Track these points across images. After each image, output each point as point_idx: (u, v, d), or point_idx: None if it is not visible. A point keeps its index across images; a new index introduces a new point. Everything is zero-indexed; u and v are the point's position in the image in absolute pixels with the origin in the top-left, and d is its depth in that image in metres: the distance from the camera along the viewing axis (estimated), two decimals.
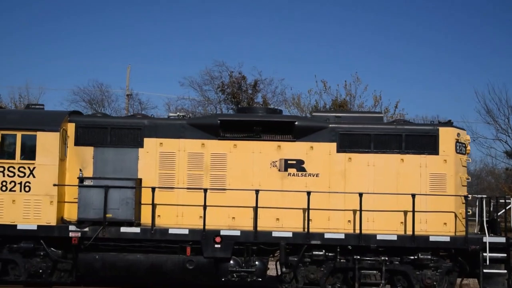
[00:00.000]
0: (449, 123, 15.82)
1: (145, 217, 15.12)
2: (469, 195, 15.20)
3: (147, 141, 15.46)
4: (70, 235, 14.76)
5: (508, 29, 61.36)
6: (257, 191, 14.73)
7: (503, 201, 15.81)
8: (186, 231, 14.83)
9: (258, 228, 14.90)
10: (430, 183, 15.26)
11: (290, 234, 14.80)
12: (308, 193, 14.72)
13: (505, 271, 14.83)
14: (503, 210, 15.73)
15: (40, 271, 14.93)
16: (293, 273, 15.10)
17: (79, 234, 14.73)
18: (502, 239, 14.84)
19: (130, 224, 14.80)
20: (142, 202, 15.12)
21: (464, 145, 15.69)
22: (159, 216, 15.04)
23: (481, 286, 14.74)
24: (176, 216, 15.31)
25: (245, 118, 15.49)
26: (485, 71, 58.33)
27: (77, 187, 14.96)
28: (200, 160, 15.44)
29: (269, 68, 44.93)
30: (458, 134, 15.50)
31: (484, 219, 15.17)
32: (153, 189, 14.78)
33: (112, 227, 14.73)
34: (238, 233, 14.84)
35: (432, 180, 15.27)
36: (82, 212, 14.75)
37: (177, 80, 61.04)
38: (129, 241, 14.84)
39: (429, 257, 14.77)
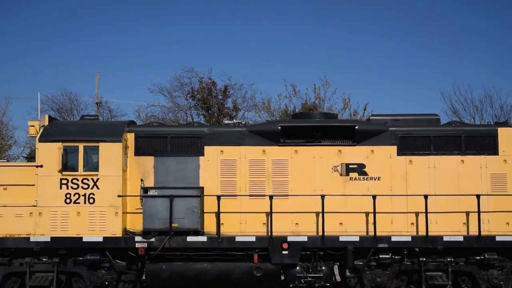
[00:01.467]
0: (506, 123, 15.94)
1: (207, 226, 15.08)
2: None
3: (207, 149, 15.43)
4: (136, 246, 14.68)
5: (472, 30, 62.32)
6: (322, 196, 14.74)
7: None
8: (253, 239, 14.81)
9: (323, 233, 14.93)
10: (491, 184, 15.35)
11: (357, 238, 14.83)
12: (374, 196, 14.74)
13: None
14: None
15: (106, 283, 14.83)
16: (357, 278, 15.13)
17: (145, 245, 14.66)
18: None
19: (196, 233, 14.75)
20: (204, 211, 15.07)
21: None
22: (222, 224, 14.95)
23: None
24: (240, 223, 15.28)
25: (306, 124, 15.50)
26: (450, 72, 59.17)
27: (141, 197, 14.93)
28: (262, 166, 15.44)
29: (238, 73, 45.37)
30: None
31: None
32: (219, 197, 14.73)
33: (179, 237, 14.67)
34: (305, 238, 14.85)
35: (492, 180, 15.36)
36: (147, 222, 14.68)
37: (146, 87, 60.63)
38: (195, 250, 14.79)
39: (496, 257, 14.86)
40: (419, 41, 63.73)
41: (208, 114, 34.15)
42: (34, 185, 14.84)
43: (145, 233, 14.70)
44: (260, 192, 15.29)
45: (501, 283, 14.91)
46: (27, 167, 15.46)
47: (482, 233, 14.88)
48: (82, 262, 14.81)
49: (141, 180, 15.26)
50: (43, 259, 14.83)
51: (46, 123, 15.31)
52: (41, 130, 15.09)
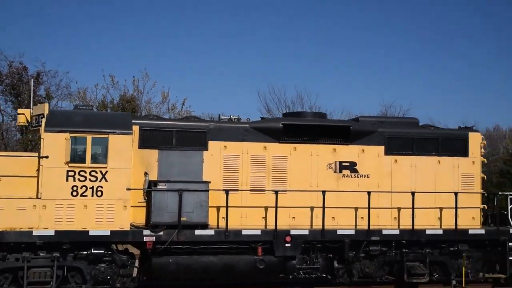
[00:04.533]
0: (473, 129, 17.79)
1: (209, 219, 15.25)
2: (499, 192, 17.34)
3: (211, 144, 15.63)
4: (144, 240, 14.56)
5: (278, 33, 66.96)
6: (323, 192, 15.58)
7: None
8: (258, 232, 15.30)
9: (318, 227, 15.79)
10: (461, 182, 17.13)
11: (353, 232, 15.87)
12: (369, 193, 15.86)
13: None
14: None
15: (108, 277, 14.56)
16: (344, 268, 16.16)
17: (154, 238, 14.59)
18: None
19: (204, 226, 14.94)
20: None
21: (483, 148, 17.72)
22: (223, 218, 15.29)
23: (508, 271, 16.86)
24: (240, 217, 15.69)
25: (307, 123, 16.22)
26: (266, 72, 63.05)
27: (144, 191, 14.84)
28: (263, 162, 15.95)
29: (53, 61, 43.79)
30: (483, 138, 17.50)
31: (509, 213, 17.23)
32: (227, 192, 15.02)
33: (187, 230, 14.77)
34: (306, 232, 15.62)
35: (463, 180, 17.15)
36: (156, 216, 14.59)
37: None
38: (201, 243, 14.97)
39: (467, 248, 16.65)
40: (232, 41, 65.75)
41: (18, 101, 32.80)
42: (34, 176, 14.17)
43: (153, 227, 14.62)
44: (260, 187, 15.81)
45: (469, 271, 16.73)
46: (25, 158, 14.71)
47: (452, 227, 16.55)
48: (84, 257, 14.39)
49: (146, 173, 15.12)
50: (41, 254, 14.23)
51: (46, 112, 14.61)
52: (45, 119, 14.37)
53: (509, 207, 17.44)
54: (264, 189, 15.79)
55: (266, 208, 15.74)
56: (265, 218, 15.78)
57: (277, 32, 64.89)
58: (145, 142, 15.23)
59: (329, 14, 65.14)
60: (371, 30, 65.73)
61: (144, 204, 14.98)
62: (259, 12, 66.58)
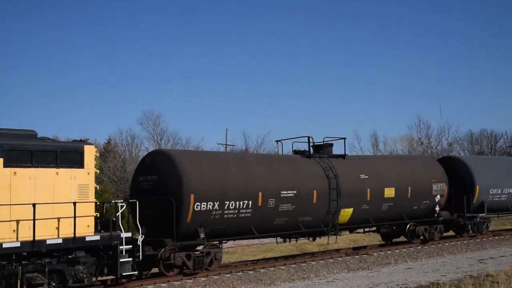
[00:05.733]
0: (88, 142, 18.91)
1: None
2: (112, 201, 18.82)
3: None
4: None
5: None
6: None
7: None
8: None
9: None
10: (78, 192, 18.01)
11: None
12: None
13: (131, 258, 18.93)
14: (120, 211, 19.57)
15: None
16: None
17: None
18: (129, 234, 18.96)
19: None
20: None
21: (94, 158, 19.00)
22: None
23: (119, 272, 18.44)
24: None
25: None
26: None
27: None
28: None
29: None
30: (96, 151, 18.79)
31: (119, 220, 18.79)
32: None
33: None
34: None
35: (79, 190, 18.06)
36: None
37: None
38: None
39: (84, 254, 17.66)
40: None
41: None
42: None
43: None
44: None
45: (84, 276, 17.75)
46: None
47: (70, 235, 17.38)
48: None
49: None
50: None
51: None
52: None
53: (119, 213, 19.10)
54: None
55: None
56: None
57: None
58: None
59: None
60: None
61: None
62: None
